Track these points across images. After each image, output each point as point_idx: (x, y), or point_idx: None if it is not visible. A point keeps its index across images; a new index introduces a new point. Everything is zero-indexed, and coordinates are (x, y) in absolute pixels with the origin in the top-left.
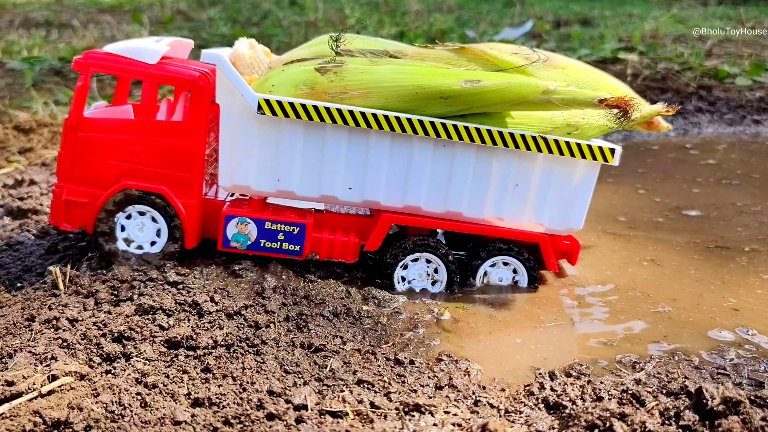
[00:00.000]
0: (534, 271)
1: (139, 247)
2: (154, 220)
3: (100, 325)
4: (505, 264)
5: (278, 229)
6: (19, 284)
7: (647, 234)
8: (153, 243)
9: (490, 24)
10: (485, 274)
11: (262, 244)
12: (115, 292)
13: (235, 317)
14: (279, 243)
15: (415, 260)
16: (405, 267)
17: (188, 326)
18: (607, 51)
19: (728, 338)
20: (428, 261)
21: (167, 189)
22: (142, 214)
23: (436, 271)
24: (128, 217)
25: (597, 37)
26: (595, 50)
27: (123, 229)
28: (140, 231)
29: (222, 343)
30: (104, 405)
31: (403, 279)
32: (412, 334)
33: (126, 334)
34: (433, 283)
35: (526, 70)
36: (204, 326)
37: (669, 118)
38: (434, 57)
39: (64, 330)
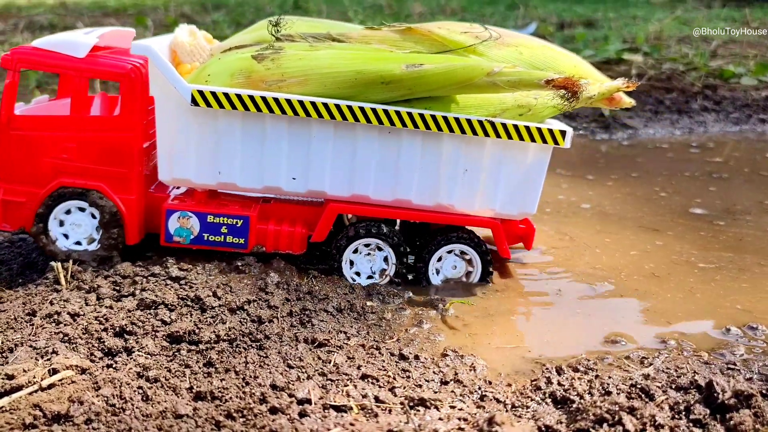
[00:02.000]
0: (489, 261)
1: (78, 244)
2: (93, 216)
3: (101, 319)
4: (463, 253)
5: (221, 222)
6: (20, 279)
7: (654, 230)
8: (92, 239)
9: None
10: (440, 259)
11: (205, 238)
12: (117, 288)
13: (237, 312)
14: (222, 236)
15: (366, 245)
16: (356, 251)
17: (190, 321)
18: (611, 52)
19: (738, 334)
20: (379, 248)
21: (105, 185)
22: (82, 210)
23: (386, 260)
24: (68, 212)
25: (601, 39)
26: (599, 51)
27: (62, 224)
28: (78, 228)
29: (225, 337)
30: (105, 398)
31: (352, 264)
32: (416, 330)
33: (128, 329)
34: (382, 272)
35: (476, 49)
36: (206, 321)
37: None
38: (380, 39)
39: (65, 324)
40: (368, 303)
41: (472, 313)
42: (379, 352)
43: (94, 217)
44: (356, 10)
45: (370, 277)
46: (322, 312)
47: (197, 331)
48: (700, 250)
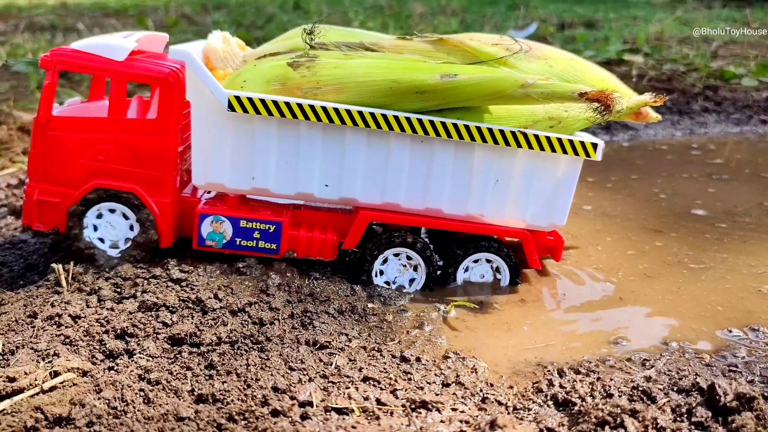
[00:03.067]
0: (516, 269)
1: (114, 246)
2: (125, 217)
3: (102, 321)
4: (488, 261)
5: (254, 227)
6: (21, 282)
7: (655, 232)
8: (127, 240)
9: (494, 26)
10: (467, 269)
11: (237, 243)
12: (118, 290)
13: (239, 314)
14: (255, 241)
15: (396, 255)
16: (385, 261)
17: (192, 323)
18: (612, 52)
19: (739, 336)
20: (408, 258)
21: (139, 188)
22: (112, 211)
23: (415, 268)
24: (99, 215)
25: (602, 39)
26: (600, 52)
27: (96, 228)
28: (113, 230)
29: (226, 339)
30: (107, 401)
31: (382, 273)
32: (418, 332)
33: (129, 331)
34: (411, 281)
35: (507, 61)
36: (208, 323)
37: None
38: (412, 49)
39: (66, 327)
40: (369, 305)
41: (473, 315)
42: (381, 354)
43: (126, 218)
44: (357, 10)
45: (401, 287)
46: (323, 314)
47: (198, 333)
48: (701, 250)
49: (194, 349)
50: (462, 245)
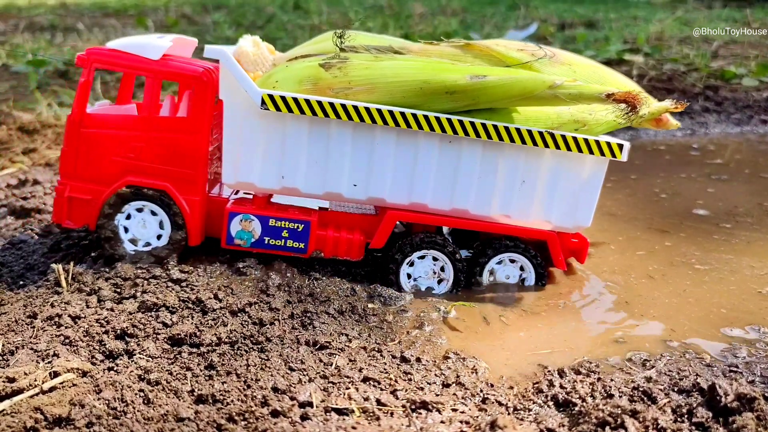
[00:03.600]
0: (542, 269)
1: (147, 244)
2: (153, 213)
3: (102, 322)
4: (512, 261)
5: (282, 226)
6: (21, 282)
7: (657, 232)
8: (159, 237)
9: (494, 27)
10: (492, 272)
11: (266, 242)
12: (118, 290)
13: (239, 314)
14: (283, 240)
15: (422, 258)
16: (411, 264)
17: (192, 323)
18: (612, 52)
19: (740, 336)
20: (435, 259)
21: (171, 185)
22: (140, 210)
23: (442, 269)
24: (128, 216)
25: (602, 39)
26: (600, 52)
27: (126, 229)
28: (143, 227)
29: (226, 340)
30: (106, 401)
31: (409, 276)
32: (418, 332)
33: (129, 332)
34: (439, 282)
35: (532, 66)
36: (208, 323)
37: (677, 116)
38: (439, 53)
39: (66, 327)
40: (370, 305)
41: (473, 316)
42: (381, 355)
43: (154, 214)
44: (357, 10)
45: (429, 288)
46: (323, 314)
47: (198, 333)
48: (703, 251)
49: (194, 350)
50: (487, 246)
